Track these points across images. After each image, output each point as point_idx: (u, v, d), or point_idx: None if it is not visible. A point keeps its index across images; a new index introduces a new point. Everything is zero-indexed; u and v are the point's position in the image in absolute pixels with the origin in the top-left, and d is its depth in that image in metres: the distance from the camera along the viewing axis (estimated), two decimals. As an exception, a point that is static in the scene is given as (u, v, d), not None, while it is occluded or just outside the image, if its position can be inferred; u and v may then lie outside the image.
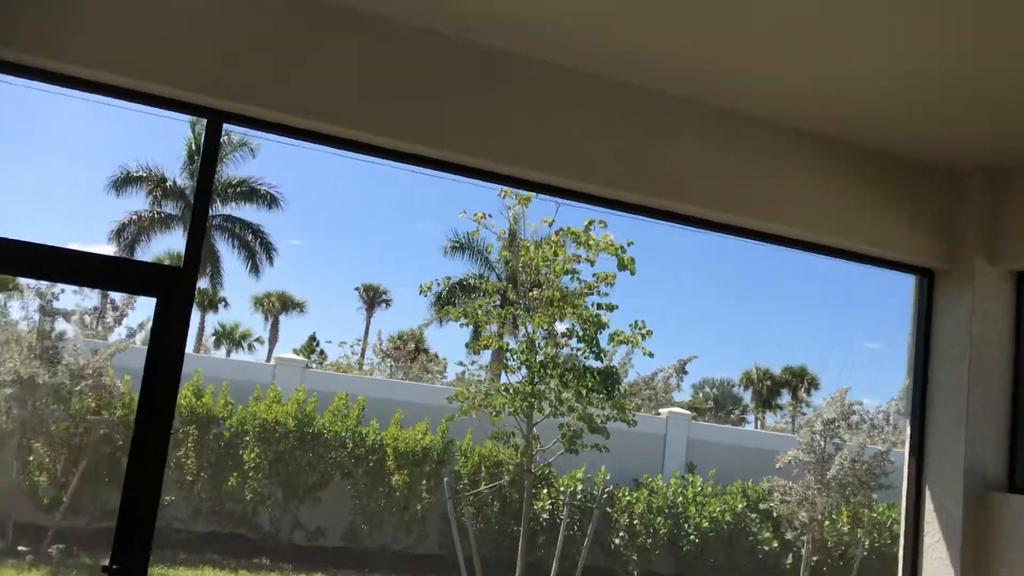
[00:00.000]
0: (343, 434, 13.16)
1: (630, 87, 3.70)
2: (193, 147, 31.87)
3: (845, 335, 60.50)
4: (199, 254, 3.14)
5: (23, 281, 11.85)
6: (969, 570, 3.74)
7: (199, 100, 3.32)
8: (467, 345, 16.14)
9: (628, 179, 3.73)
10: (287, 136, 3.49)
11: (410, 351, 23.39)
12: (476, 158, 3.62)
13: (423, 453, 13.32)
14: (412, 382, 18.94)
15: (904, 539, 4.19)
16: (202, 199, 3.32)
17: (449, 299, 23.14)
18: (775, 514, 14.57)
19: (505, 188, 11.61)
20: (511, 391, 11.50)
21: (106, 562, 3.19)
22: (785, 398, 49.19)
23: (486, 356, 25.86)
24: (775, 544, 14.59)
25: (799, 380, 48.84)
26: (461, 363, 13.15)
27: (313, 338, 44.45)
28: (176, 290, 3.13)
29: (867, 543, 14.65)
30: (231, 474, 12.65)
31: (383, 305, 50.00)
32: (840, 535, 14.75)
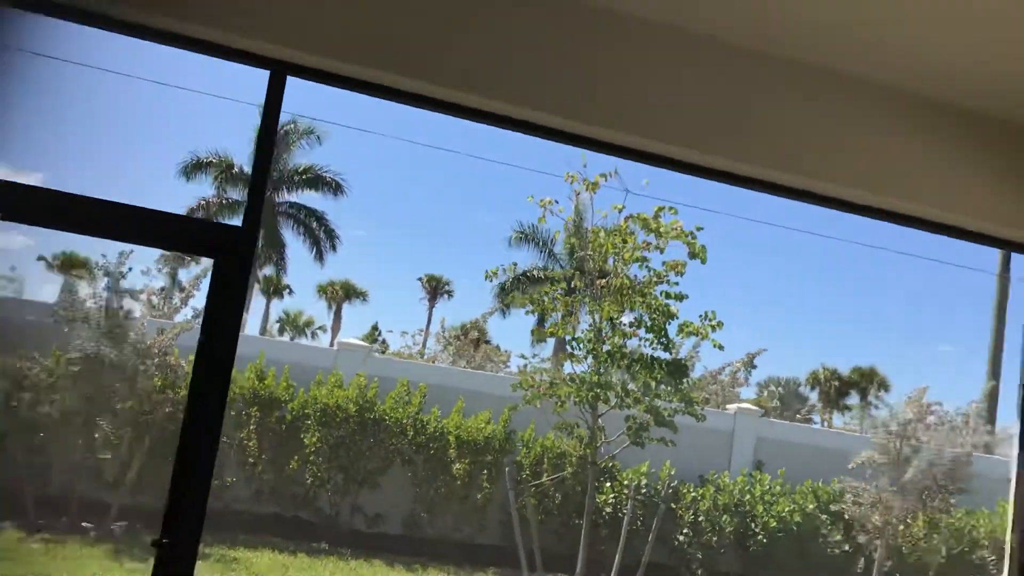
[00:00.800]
0: (404, 420, 13.04)
1: (731, 47, 3.39)
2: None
3: (917, 336, 58.90)
4: (259, 213, 2.95)
5: (93, 260, 11.96)
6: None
7: (262, 50, 3.12)
8: (532, 332, 15.94)
9: (729, 145, 3.41)
10: (354, 89, 3.27)
11: (473, 339, 23.24)
12: (564, 119, 3.34)
13: (485, 442, 13.13)
14: (475, 370, 18.77)
15: (1011, 542, 3.77)
16: (263, 154, 3.12)
17: (513, 290, 22.98)
18: (847, 516, 14.05)
19: (573, 173, 11.36)
20: (577, 380, 11.23)
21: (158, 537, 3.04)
22: (854, 399, 48.03)
23: (548, 350, 25.68)
24: (846, 547, 14.06)
25: (868, 381, 47.58)
26: (523, 356, 13.05)
27: (375, 327, 44.80)
28: (234, 251, 2.93)
29: (944, 550, 14.03)
30: (292, 457, 12.62)
31: (445, 296, 50.13)
32: (916, 540, 14.16)
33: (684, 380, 11.78)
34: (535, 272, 22.62)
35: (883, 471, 13.83)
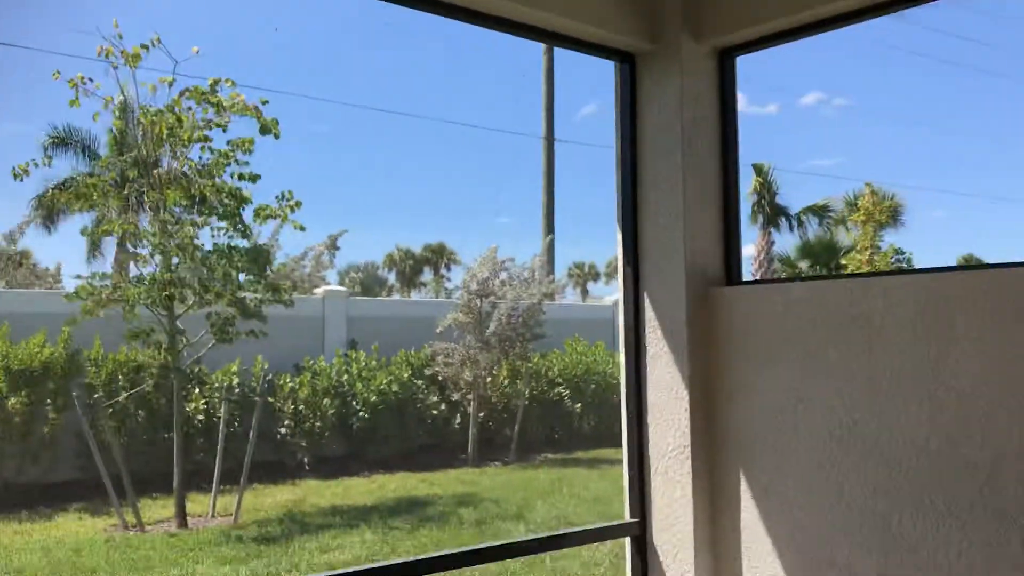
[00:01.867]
0: (-68, 360, 10.80)
1: None
2: None
3: (477, 211, 63.60)
4: None
5: None
6: (698, 372, 3.41)
7: None
8: (82, 231, 14.07)
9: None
10: None
11: (12, 256, 19.96)
12: None
13: (43, 368, 11.37)
14: (18, 289, 16.19)
15: (626, 358, 3.73)
16: None
17: (53, 203, 20.02)
18: (440, 378, 14.60)
19: (107, 46, 9.77)
20: (145, 281, 9.97)
21: None
22: (428, 275, 50.74)
23: (108, 265, 22.97)
24: (443, 407, 14.67)
25: (439, 256, 50.55)
26: (79, 276, 11.14)
27: None
28: None
29: (527, 392, 15.24)
30: None
31: (-28, 219, 43.19)
32: (502, 389, 15.20)
33: (267, 267, 11.06)
34: (81, 179, 19.63)
35: (468, 329, 14.49)
